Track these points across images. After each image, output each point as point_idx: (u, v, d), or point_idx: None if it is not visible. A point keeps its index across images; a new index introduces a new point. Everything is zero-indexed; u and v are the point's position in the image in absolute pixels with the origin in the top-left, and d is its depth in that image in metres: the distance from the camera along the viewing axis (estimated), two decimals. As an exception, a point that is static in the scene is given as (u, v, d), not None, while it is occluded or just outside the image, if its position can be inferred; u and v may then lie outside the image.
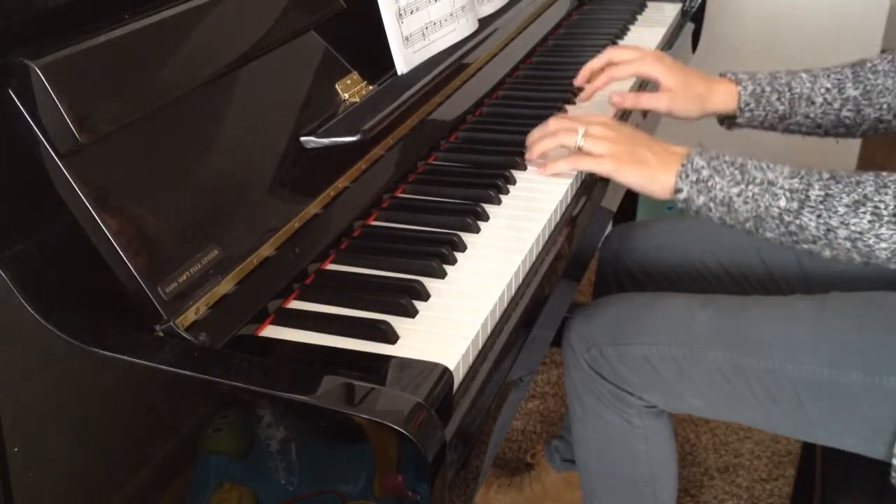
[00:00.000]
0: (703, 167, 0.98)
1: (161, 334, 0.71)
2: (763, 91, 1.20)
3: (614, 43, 1.55)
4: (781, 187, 0.95)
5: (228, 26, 0.88)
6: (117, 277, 0.71)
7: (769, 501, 1.65)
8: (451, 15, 1.17)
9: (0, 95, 0.68)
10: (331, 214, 0.91)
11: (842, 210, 0.91)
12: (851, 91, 1.17)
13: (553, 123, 1.09)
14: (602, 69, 1.24)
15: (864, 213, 0.90)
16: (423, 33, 1.12)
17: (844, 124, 1.20)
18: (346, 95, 1.00)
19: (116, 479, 0.75)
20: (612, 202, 1.19)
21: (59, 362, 0.70)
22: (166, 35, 0.80)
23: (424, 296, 0.84)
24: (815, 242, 0.94)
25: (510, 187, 1.06)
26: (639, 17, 1.71)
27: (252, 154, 0.86)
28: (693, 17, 1.79)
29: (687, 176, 0.99)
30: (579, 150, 1.05)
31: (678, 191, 1.00)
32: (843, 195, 0.92)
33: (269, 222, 0.84)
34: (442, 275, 0.88)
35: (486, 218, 0.99)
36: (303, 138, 0.92)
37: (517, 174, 1.09)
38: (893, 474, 0.97)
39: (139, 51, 0.78)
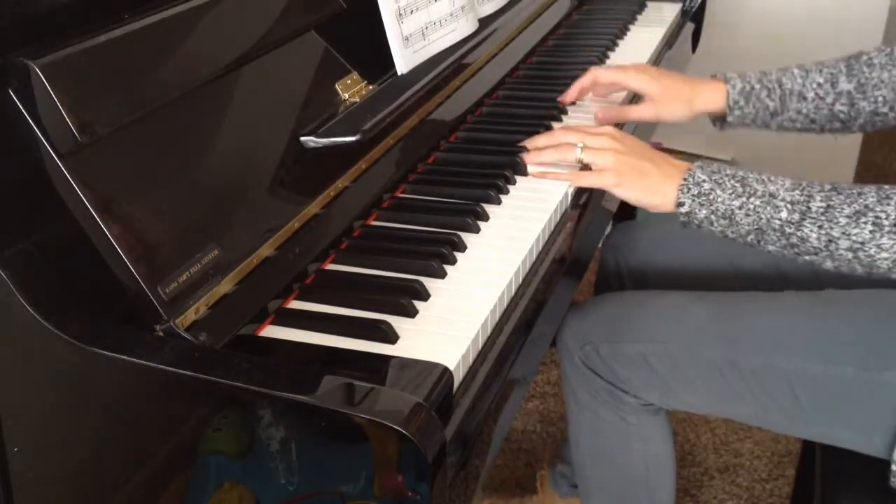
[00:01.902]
0: (704, 180, 0.98)
1: (161, 334, 0.71)
2: (752, 88, 1.20)
3: (614, 43, 1.55)
4: (783, 199, 0.94)
5: (228, 26, 0.88)
6: (117, 278, 0.71)
7: (769, 501, 1.65)
8: (451, 15, 1.18)
9: (0, 95, 0.68)
10: (331, 214, 0.91)
11: (843, 221, 0.91)
12: (845, 85, 1.17)
13: (557, 134, 1.09)
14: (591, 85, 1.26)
15: (866, 223, 0.90)
16: (423, 33, 1.12)
17: (839, 118, 1.19)
18: (346, 95, 1.00)
19: (116, 479, 0.75)
20: (611, 202, 1.19)
21: (59, 362, 0.70)
22: (166, 35, 0.80)
23: (424, 296, 0.84)
24: (816, 254, 0.94)
25: (510, 187, 1.06)
26: (639, 17, 1.71)
27: (252, 154, 0.86)
28: (693, 17, 1.79)
29: (689, 189, 0.98)
30: (580, 163, 1.06)
31: (680, 204, 0.99)
32: (845, 206, 0.91)
33: (269, 222, 0.84)
34: (442, 275, 0.88)
35: (486, 218, 0.99)
36: (303, 138, 0.92)
37: (517, 174, 1.09)
38: (893, 479, 0.97)
39: (139, 51, 0.78)
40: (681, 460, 1.71)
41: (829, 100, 1.18)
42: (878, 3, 2.13)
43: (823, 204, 0.92)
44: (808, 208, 0.93)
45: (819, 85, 1.18)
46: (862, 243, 0.90)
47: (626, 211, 2.15)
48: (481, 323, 0.80)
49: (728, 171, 0.99)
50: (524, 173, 1.09)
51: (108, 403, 0.73)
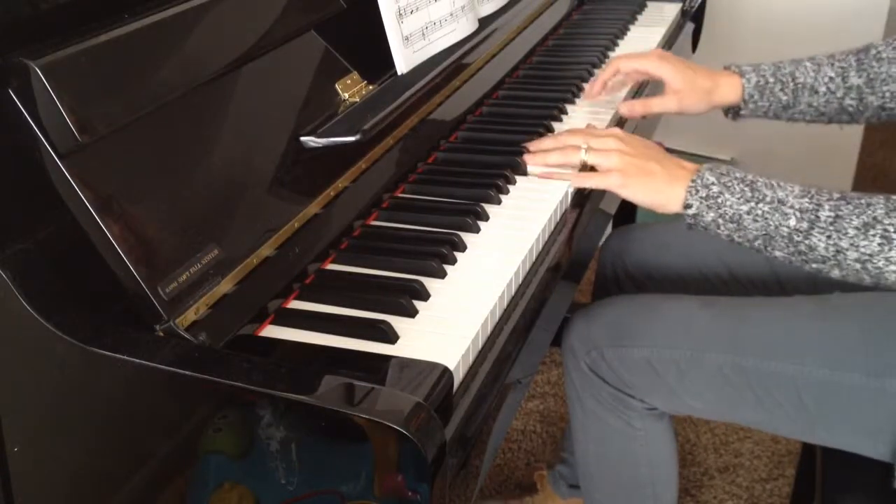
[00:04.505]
0: (713, 183, 0.97)
1: (161, 334, 0.72)
2: (767, 82, 1.20)
3: (614, 43, 1.55)
4: (791, 206, 0.93)
5: (228, 26, 0.88)
6: (117, 277, 0.71)
7: (769, 501, 1.65)
8: (451, 15, 1.17)
9: (0, 95, 0.68)
10: (331, 214, 0.91)
11: (852, 232, 0.90)
12: (855, 80, 1.17)
13: (561, 137, 1.09)
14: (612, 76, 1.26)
15: (874, 235, 0.89)
16: (423, 33, 1.12)
17: (847, 112, 1.20)
18: (346, 95, 1.00)
19: (116, 478, 0.75)
20: (610, 205, 1.19)
21: (58, 362, 0.70)
22: (166, 35, 0.80)
23: (424, 296, 0.84)
24: (824, 263, 0.93)
25: (510, 187, 1.06)
26: (639, 17, 1.71)
27: (252, 154, 0.86)
28: (693, 17, 1.79)
29: (697, 191, 0.97)
30: (584, 166, 1.04)
31: (688, 206, 0.98)
32: (853, 217, 0.90)
33: (269, 222, 0.84)
34: (442, 275, 0.88)
35: (486, 218, 0.99)
36: (303, 138, 0.92)
37: (517, 174, 1.09)
38: None
39: (139, 51, 0.78)
40: (681, 460, 1.71)
41: (839, 94, 1.19)
42: (878, 3, 2.12)
43: (832, 214, 0.91)
44: (817, 217, 0.91)
45: (830, 79, 1.18)
46: (870, 255, 0.89)
47: (625, 214, 2.16)
48: (481, 323, 0.80)
49: (737, 175, 0.97)
50: (524, 173, 1.09)
51: (108, 403, 0.73)
